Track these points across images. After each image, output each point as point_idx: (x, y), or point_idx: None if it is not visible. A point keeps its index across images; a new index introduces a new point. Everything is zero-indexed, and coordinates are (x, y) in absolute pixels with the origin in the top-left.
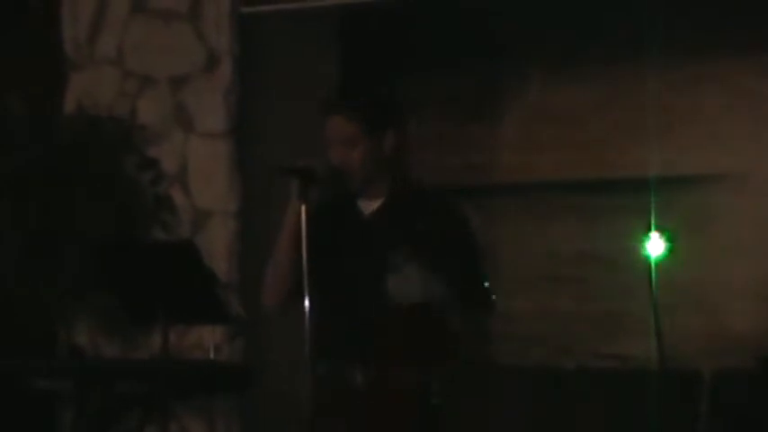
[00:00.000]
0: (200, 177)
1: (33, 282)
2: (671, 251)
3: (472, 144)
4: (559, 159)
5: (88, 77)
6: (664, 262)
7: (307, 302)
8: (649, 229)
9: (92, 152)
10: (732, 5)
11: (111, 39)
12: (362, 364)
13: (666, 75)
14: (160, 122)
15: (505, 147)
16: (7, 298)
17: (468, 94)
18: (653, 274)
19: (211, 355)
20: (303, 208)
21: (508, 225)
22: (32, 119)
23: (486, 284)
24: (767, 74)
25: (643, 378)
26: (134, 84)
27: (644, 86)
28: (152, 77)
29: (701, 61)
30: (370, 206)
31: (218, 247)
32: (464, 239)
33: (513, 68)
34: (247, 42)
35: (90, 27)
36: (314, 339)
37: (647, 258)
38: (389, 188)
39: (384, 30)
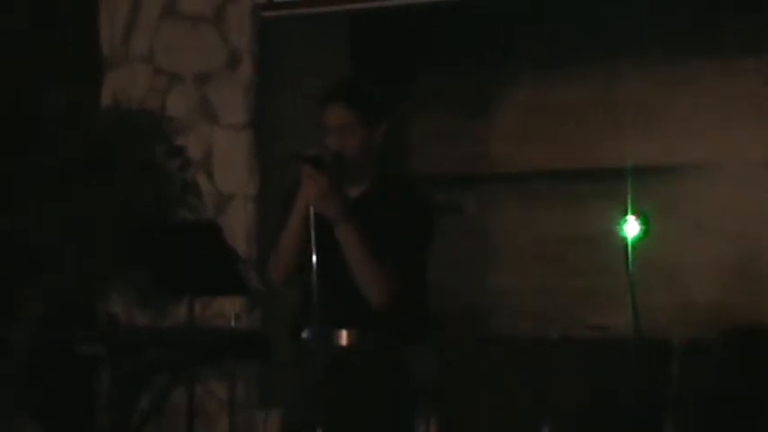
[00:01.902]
0: (223, 165)
1: (72, 260)
2: (645, 233)
3: (470, 137)
4: (547, 151)
5: (123, 74)
6: (639, 243)
7: (314, 274)
8: (626, 213)
9: (125, 141)
10: (701, 15)
11: (143, 40)
12: (345, 331)
13: (643, 76)
14: (187, 115)
15: (499, 140)
16: (50, 275)
17: (467, 92)
18: (629, 254)
19: (232, 324)
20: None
21: (501, 210)
22: (73, 112)
23: (406, 277)
24: (731, 75)
25: (620, 346)
26: (164, 80)
27: (623, 86)
28: (180, 75)
29: (673, 64)
30: (357, 191)
31: (238, 227)
32: (411, 230)
33: (506, 69)
34: (266, 43)
35: (124, 29)
36: (305, 309)
37: (624, 239)
38: (374, 176)
39: (390, 32)
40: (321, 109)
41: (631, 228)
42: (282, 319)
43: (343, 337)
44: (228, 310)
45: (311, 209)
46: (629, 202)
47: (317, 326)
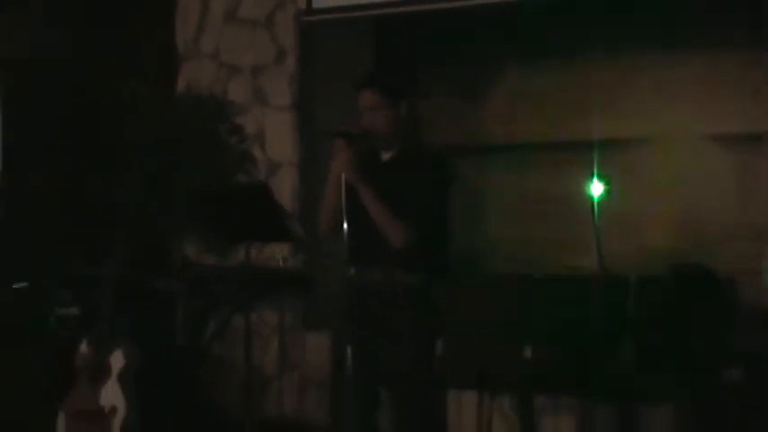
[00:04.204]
0: (273, 139)
1: (155, 214)
2: (608, 192)
3: (468, 115)
4: (530, 127)
5: (194, 67)
6: (603, 200)
7: (345, 225)
8: (593, 176)
9: (196, 121)
10: (654, 17)
11: (210, 39)
12: (377, 267)
13: (606, 67)
14: (244, 100)
15: (491, 118)
16: (136, 227)
17: (465, 79)
18: (595, 209)
19: (281, 264)
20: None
21: (494, 175)
22: (155, 98)
23: (425, 233)
24: (678, 66)
25: (589, 282)
26: (226, 72)
27: (591, 75)
28: (238, 67)
29: (631, 55)
30: (387, 156)
31: (285, 189)
32: (428, 185)
33: (496, 61)
34: (307, 42)
35: (195, 30)
36: (350, 252)
37: (591, 197)
38: (401, 144)
39: (406, 32)
40: (355, 94)
41: (597, 188)
42: (322, 260)
43: (379, 272)
44: (278, 254)
45: (342, 175)
46: (596, 167)
47: (359, 264)
